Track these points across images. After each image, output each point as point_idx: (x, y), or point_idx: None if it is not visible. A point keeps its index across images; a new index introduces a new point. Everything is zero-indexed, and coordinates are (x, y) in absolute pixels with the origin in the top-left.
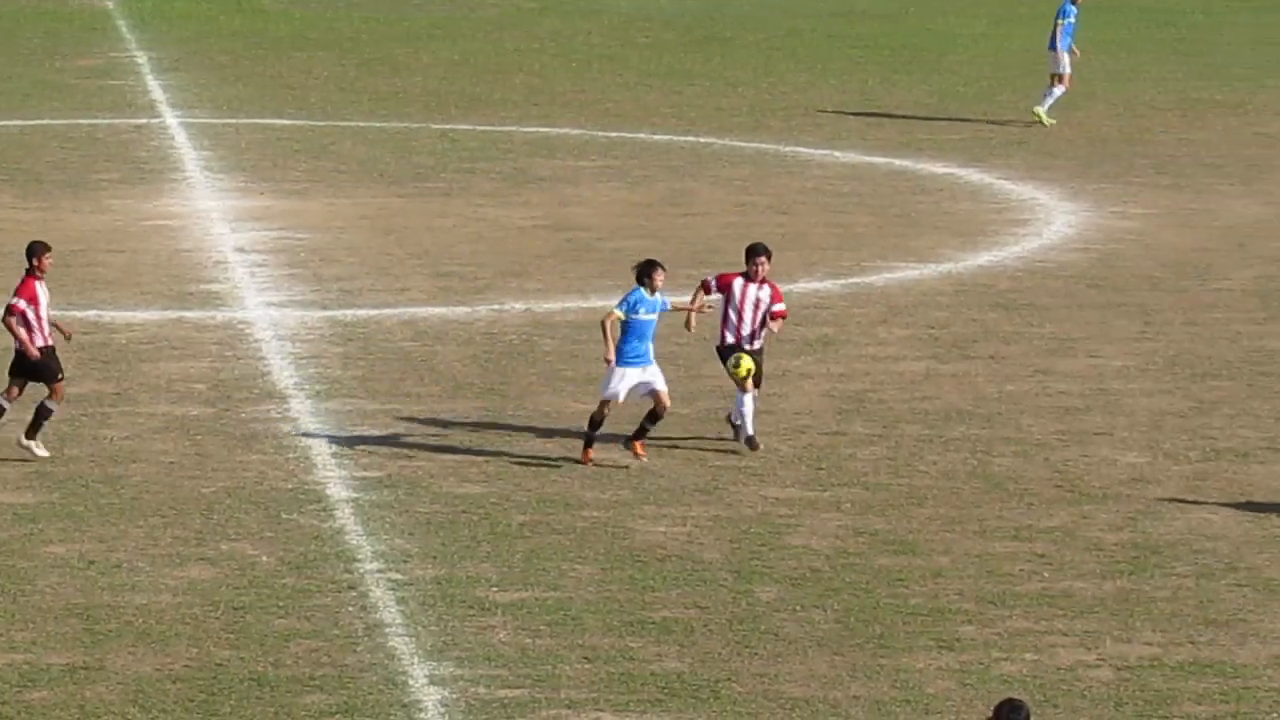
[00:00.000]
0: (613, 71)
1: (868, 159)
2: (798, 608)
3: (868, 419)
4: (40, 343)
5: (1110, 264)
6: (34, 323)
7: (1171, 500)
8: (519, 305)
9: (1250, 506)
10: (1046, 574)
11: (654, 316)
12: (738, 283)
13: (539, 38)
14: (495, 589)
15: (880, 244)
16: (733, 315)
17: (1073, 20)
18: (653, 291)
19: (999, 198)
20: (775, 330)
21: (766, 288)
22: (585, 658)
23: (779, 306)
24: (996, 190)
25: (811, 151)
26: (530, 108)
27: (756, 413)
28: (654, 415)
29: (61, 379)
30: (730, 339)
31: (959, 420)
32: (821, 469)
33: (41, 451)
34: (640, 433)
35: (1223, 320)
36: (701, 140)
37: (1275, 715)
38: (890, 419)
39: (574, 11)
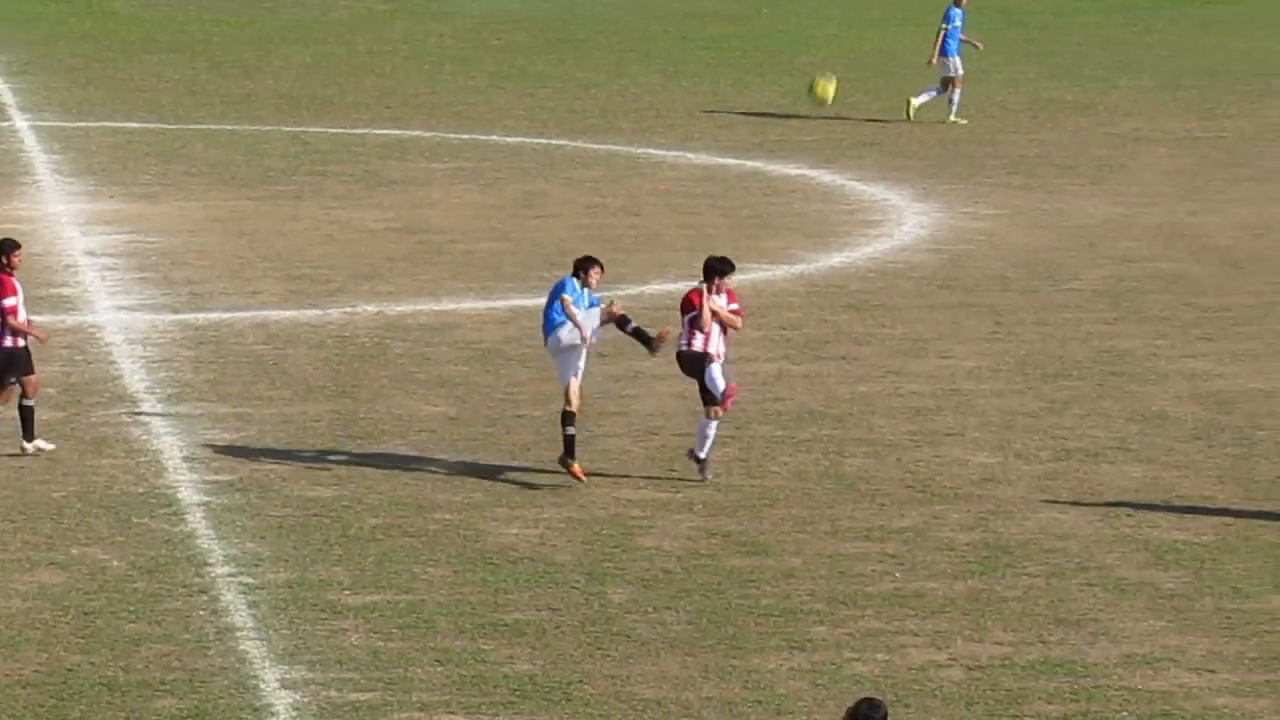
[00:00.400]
0: (465, 74)
1: (720, 160)
2: (650, 609)
3: (720, 420)
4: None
5: (961, 264)
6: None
7: (1022, 500)
8: (371, 308)
9: (1100, 506)
10: (898, 574)
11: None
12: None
13: (391, 40)
14: (347, 592)
15: (732, 245)
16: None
17: (958, 24)
18: (584, 285)
19: (851, 199)
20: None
21: (725, 295)
22: (437, 660)
23: (734, 305)
24: (848, 191)
25: (663, 153)
26: (382, 110)
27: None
28: (566, 418)
29: (31, 373)
30: (698, 346)
31: (811, 421)
32: (674, 470)
33: (48, 445)
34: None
35: (1073, 320)
36: (554, 142)
37: (1125, 714)
38: (742, 420)
39: (426, 14)
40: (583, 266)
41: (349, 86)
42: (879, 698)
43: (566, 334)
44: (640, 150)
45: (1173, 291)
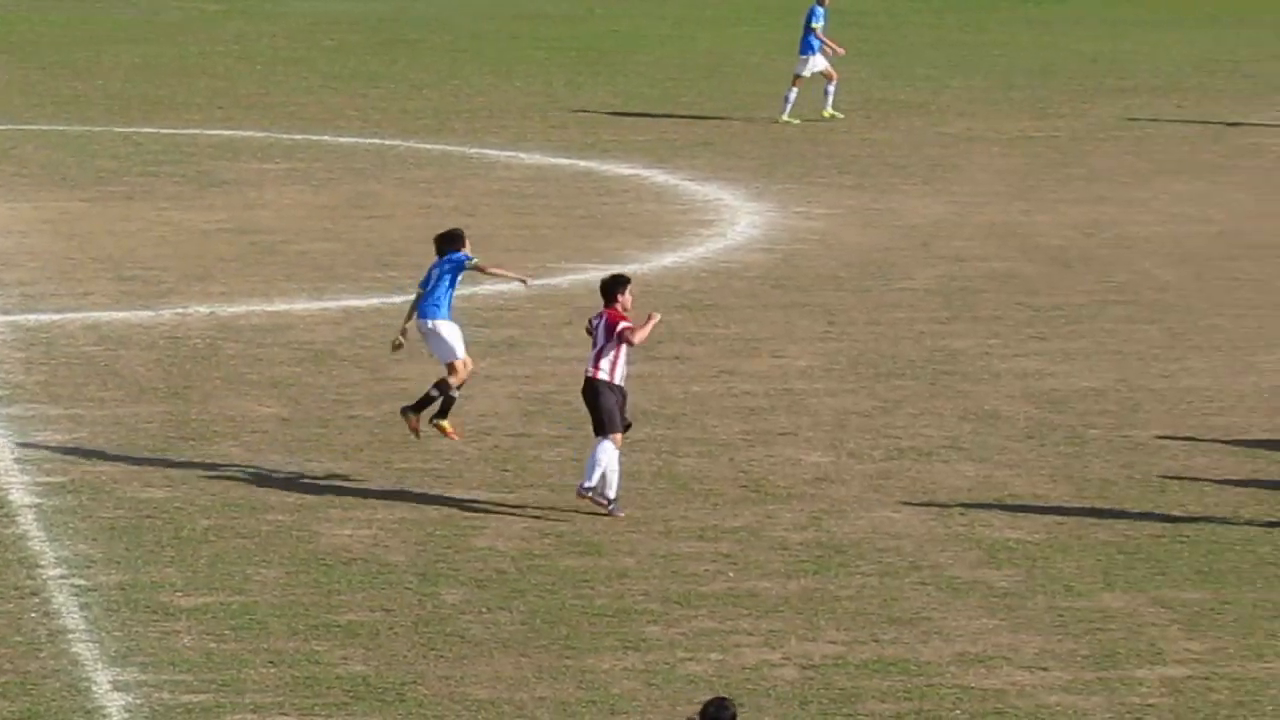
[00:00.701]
0: (297, 74)
1: (553, 160)
2: (484, 609)
3: (553, 420)
4: None
5: (794, 264)
6: None
7: (855, 499)
8: (203, 308)
9: (933, 505)
10: (732, 574)
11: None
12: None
13: (223, 40)
14: (179, 594)
15: (566, 245)
16: (625, 350)
17: (823, 22)
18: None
19: (684, 199)
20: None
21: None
22: (270, 662)
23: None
24: (681, 191)
25: (497, 153)
26: (214, 111)
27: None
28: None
29: None
30: (618, 378)
31: (644, 421)
32: (507, 470)
33: None
34: (429, 404)
35: (906, 320)
36: (386, 142)
37: (958, 712)
38: (576, 420)
39: (258, 14)
40: (461, 239)
41: (181, 87)
42: (728, 698)
43: (448, 329)
44: (473, 150)
45: (1005, 291)
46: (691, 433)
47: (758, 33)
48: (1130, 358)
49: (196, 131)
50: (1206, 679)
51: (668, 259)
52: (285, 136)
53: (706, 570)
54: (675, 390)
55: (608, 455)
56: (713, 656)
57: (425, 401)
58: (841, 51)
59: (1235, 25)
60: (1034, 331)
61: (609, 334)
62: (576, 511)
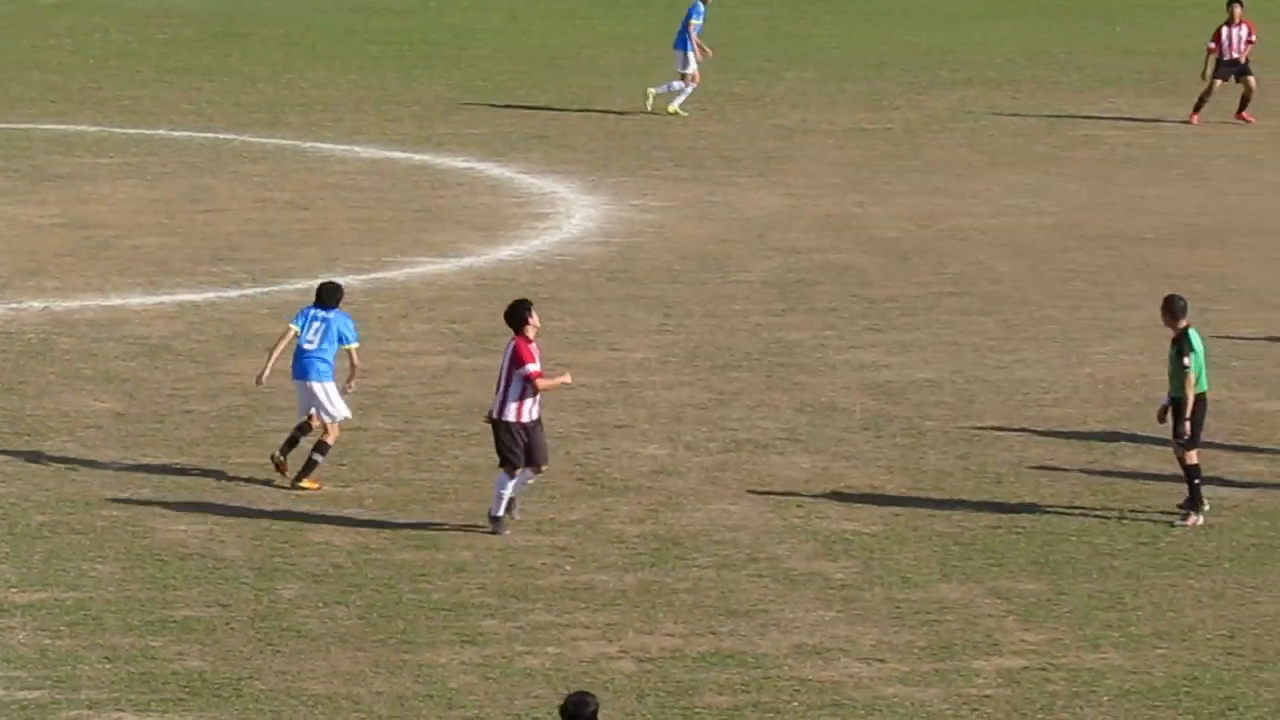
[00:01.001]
0: (131, 68)
1: (388, 154)
2: (320, 604)
3: (389, 414)
4: None
5: (630, 257)
6: None
7: (692, 492)
8: (37, 304)
9: (770, 497)
10: (568, 567)
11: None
12: (533, 347)
13: (55, 34)
14: (14, 590)
15: (401, 238)
16: (530, 387)
17: (701, 21)
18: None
19: (519, 191)
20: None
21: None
22: (106, 658)
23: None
24: (517, 184)
25: (332, 147)
26: (47, 105)
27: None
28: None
29: None
30: (527, 418)
31: (480, 414)
32: (343, 465)
33: None
34: (315, 466)
35: (742, 312)
36: (221, 136)
37: (795, 704)
38: (412, 413)
39: (91, 8)
40: (342, 295)
41: (12, 81)
42: (589, 693)
43: (335, 391)
44: (308, 144)
45: (840, 282)
46: None
47: (592, 26)
48: (966, 349)
49: (29, 126)
50: (1043, 669)
51: (504, 252)
52: (119, 131)
53: (543, 564)
54: None
55: (506, 485)
56: (550, 650)
57: (311, 465)
58: (710, 53)
59: (1068, 17)
60: (869, 323)
61: (514, 366)
62: (412, 505)
